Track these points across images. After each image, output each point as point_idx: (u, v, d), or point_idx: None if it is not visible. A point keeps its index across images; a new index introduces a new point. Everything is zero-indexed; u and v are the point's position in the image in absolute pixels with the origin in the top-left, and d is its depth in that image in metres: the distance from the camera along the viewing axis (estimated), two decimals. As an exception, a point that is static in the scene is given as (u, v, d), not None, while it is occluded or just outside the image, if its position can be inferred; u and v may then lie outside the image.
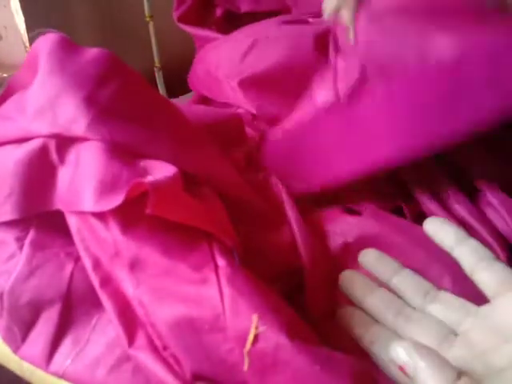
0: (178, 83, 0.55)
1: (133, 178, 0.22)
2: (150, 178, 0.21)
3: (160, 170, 0.23)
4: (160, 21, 0.66)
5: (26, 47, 0.55)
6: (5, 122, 0.26)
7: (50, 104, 0.24)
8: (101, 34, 0.66)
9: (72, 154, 0.24)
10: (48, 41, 0.26)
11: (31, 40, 0.55)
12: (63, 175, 0.24)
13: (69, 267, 0.25)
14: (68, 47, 0.26)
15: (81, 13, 0.62)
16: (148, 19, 0.65)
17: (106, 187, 0.21)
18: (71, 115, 0.23)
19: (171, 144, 0.25)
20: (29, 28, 0.54)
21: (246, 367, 0.19)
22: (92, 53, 0.26)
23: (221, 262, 0.22)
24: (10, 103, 0.28)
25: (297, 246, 0.27)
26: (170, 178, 0.22)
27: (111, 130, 0.23)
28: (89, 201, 0.21)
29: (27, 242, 0.25)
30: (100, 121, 0.23)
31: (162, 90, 0.68)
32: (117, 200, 0.21)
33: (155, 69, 0.68)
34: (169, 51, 0.71)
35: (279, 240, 0.28)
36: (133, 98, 0.26)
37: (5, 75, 0.54)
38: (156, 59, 0.67)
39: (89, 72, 0.25)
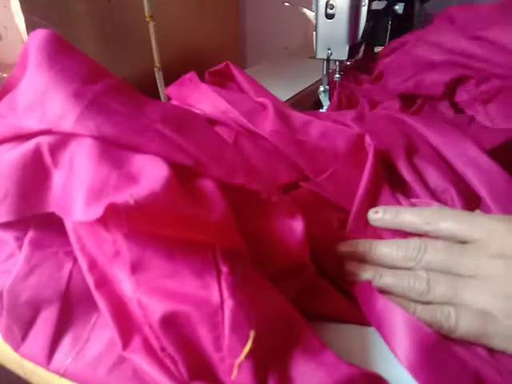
0: (178, 83, 0.55)
1: (120, 186, 0.21)
2: (126, 198, 0.20)
3: (150, 174, 0.22)
4: (160, 21, 0.66)
5: (26, 47, 0.55)
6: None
7: (39, 99, 0.24)
8: (101, 34, 0.66)
9: (65, 157, 0.24)
10: (37, 37, 0.25)
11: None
12: (57, 178, 0.24)
13: (68, 266, 0.25)
14: (57, 43, 0.26)
15: (81, 13, 0.62)
16: (148, 19, 0.65)
17: (93, 195, 0.21)
18: (59, 110, 0.23)
19: (163, 135, 0.25)
20: (29, 28, 0.54)
21: (233, 377, 0.20)
22: (81, 52, 0.27)
23: (224, 268, 0.22)
24: (3, 102, 0.28)
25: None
26: (157, 191, 0.21)
27: (99, 124, 0.23)
28: (78, 210, 0.21)
29: (26, 241, 0.25)
30: (87, 115, 0.23)
31: (161, 90, 0.68)
32: (99, 212, 0.20)
33: (155, 69, 0.68)
34: (169, 51, 0.71)
35: (290, 231, 0.26)
36: (120, 95, 0.26)
37: (5, 75, 0.54)
38: (156, 59, 0.67)
39: (77, 68, 0.25)
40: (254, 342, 0.20)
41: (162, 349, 0.21)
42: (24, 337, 0.24)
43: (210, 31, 0.92)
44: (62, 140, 0.24)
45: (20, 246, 0.25)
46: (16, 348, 0.24)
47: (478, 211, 0.31)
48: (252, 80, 0.48)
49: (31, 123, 0.24)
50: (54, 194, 0.24)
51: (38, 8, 0.55)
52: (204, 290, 0.21)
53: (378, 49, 0.67)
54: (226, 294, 0.21)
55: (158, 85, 0.68)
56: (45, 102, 0.24)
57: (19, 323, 0.24)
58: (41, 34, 0.26)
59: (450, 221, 0.27)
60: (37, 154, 0.24)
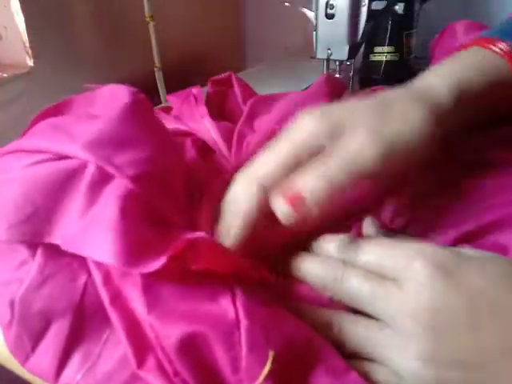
0: (178, 83, 0.55)
1: (168, 238, 0.21)
2: (196, 234, 0.21)
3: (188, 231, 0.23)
4: (160, 21, 0.66)
5: (25, 47, 0.55)
6: (55, 133, 0.26)
7: (113, 146, 0.25)
8: (101, 34, 0.66)
9: (103, 195, 0.23)
10: (126, 92, 0.28)
11: (31, 41, 0.55)
12: (87, 214, 0.23)
13: (82, 278, 0.24)
14: (145, 106, 0.28)
15: (81, 13, 0.62)
16: (148, 19, 0.65)
17: (140, 246, 0.21)
18: (125, 160, 0.24)
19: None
20: (29, 28, 0.54)
21: None
22: (159, 119, 0.29)
23: (238, 290, 0.22)
24: (68, 120, 0.28)
25: None
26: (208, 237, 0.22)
27: (154, 194, 0.24)
28: (108, 253, 0.20)
29: (39, 249, 0.24)
30: (148, 180, 0.24)
31: (161, 90, 0.68)
32: (158, 262, 0.20)
33: (155, 69, 0.68)
34: (169, 51, 0.71)
35: None
36: (178, 178, 0.28)
37: (5, 75, 0.54)
38: (156, 59, 0.67)
39: (152, 136, 0.27)
40: (273, 363, 0.19)
41: (176, 373, 0.20)
42: (34, 348, 0.23)
43: (210, 31, 0.92)
44: (105, 178, 0.24)
45: (33, 254, 0.24)
46: (24, 360, 0.23)
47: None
48: (249, 90, 0.49)
49: (89, 155, 0.24)
50: (67, 228, 0.23)
51: (37, 8, 0.55)
52: (219, 310, 0.21)
53: (377, 49, 0.67)
54: (241, 314, 0.20)
55: (158, 85, 0.68)
56: (115, 149, 0.24)
57: (29, 334, 0.23)
58: (130, 91, 0.28)
59: (368, 254, 0.25)
60: (78, 183, 0.24)
